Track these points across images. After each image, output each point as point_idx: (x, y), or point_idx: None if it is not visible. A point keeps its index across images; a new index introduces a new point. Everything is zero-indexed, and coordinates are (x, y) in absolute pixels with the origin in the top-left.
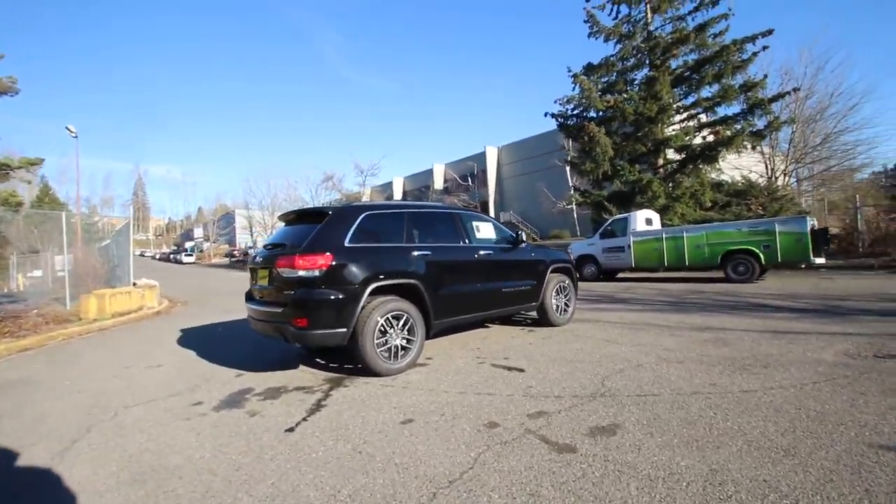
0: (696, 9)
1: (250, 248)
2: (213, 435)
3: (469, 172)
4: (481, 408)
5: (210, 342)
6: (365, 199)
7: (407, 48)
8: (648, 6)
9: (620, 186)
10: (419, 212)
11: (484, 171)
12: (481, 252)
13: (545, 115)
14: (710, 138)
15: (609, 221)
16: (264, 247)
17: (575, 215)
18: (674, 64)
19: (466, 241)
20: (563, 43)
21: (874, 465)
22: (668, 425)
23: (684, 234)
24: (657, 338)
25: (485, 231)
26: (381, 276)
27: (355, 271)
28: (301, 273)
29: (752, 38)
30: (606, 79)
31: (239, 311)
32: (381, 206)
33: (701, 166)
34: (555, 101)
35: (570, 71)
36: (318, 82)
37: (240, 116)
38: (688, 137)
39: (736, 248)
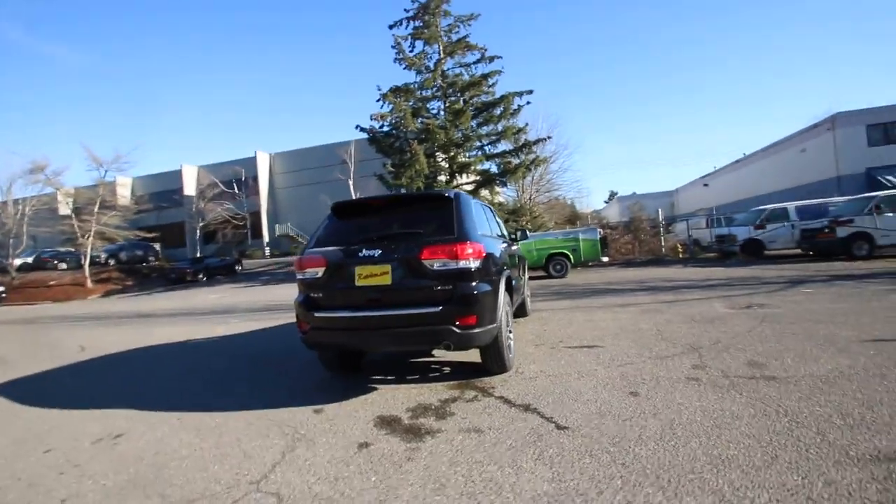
0: (479, 60)
1: None
2: (521, 471)
3: (235, 178)
4: (655, 372)
5: (118, 391)
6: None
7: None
8: (442, 48)
9: None
10: (482, 204)
11: (255, 179)
12: (513, 247)
13: (356, 127)
14: (495, 168)
15: None
16: (367, 240)
17: None
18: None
19: (504, 234)
20: (336, 57)
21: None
22: (787, 356)
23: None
24: (616, 314)
25: (503, 227)
26: (506, 267)
27: (497, 262)
28: (462, 264)
29: (520, 94)
30: (411, 103)
31: (24, 362)
32: (470, 195)
33: (488, 189)
34: (370, 117)
35: (380, 89)
36: None
37: None
38: (482, 164)
39: (555, 251)
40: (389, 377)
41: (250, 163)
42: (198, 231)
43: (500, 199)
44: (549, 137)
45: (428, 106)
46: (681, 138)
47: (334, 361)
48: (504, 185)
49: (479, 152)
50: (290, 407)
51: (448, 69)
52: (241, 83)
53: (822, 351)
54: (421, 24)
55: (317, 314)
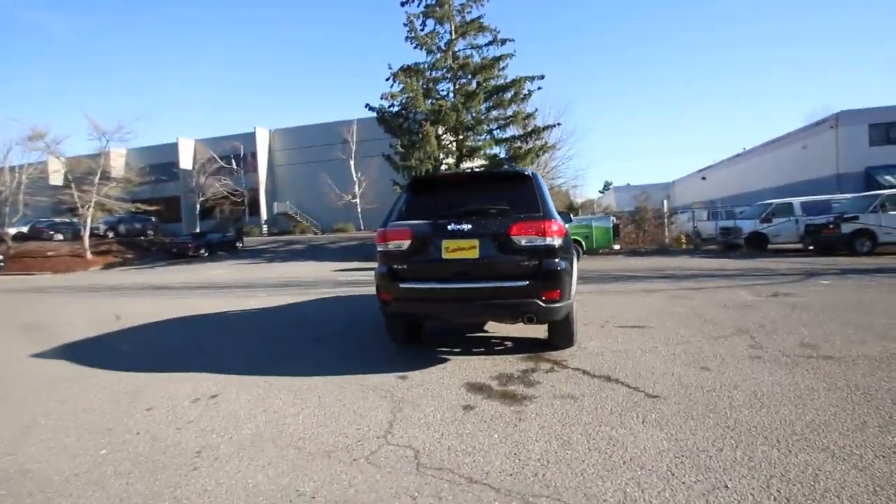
0: (491, 43)
1: None
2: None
3: (234, 154)
4: (716, 350)
5: (184, 356)
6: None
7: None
8: (454, 28)
9: None
10: None
11: (253, 155)
12: None
13: (365, 106)
14: (503, 153)
15: None
16: (454, 215)
17: (359, 210)
18: (476, 84)
19: None
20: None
21: None
22: (834, 339)
23: None
24: (645, 298)
25: None
26: (572, 246)
27: (570, 241)
28: (548, 241)
29: (531, 78)
30: (421, 83)
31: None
32: None
33: None
34: (381, 96)
35: (390, 68)
36: None
37: None
38: (490, 149)
39: None
40: (456, 349)
41: (249, 138)
42: (197, 206)
43: None
44: (558, 124)
45: (437, 87)
46: (675, 131)
47: (403, 333)
48: None
49: (488, 136)
50: (373, 374)
51: (459, 50)
52: (239, 57)
53: (865, 335)
54: (434, 2)
55: (401, 285)
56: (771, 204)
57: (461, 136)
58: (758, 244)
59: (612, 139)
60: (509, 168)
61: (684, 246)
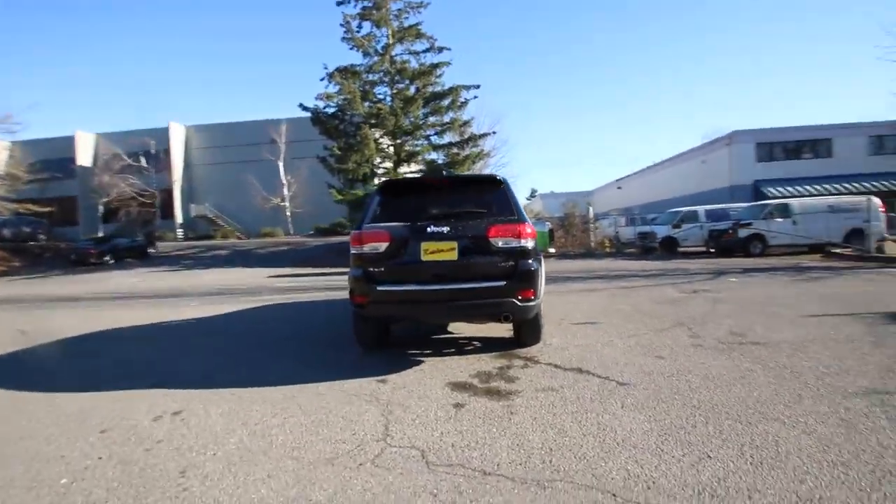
0: (428, 50)
1: None
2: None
3: (143, 151)
4: (663, 341)
5: (125, 372)
6: None
7: None
8: (391, 33)
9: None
10: None
11: (167, 152)
12: None
13: (299, 105)
14: (441, 159)
15: None
16: (432, 217)
17: (289, 213)
18: (414, 90)
19: None
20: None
21: (821, 298)
22: (756, 328)
23: None
24: (587, 298)
25: None
26: (539, 248)
27: (537, 241)
28: (523, 243)
29: (468, 87)
30: (357, 85)
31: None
32: None
33: None
34: (316, 97)
35: (326, 68)
36: None
37: None
38: (428, 154)
39: None
40: (427, 351)
41: (162, 134)
42: (100, 207)
43: None
44: (494, 132)
45: (375, 91)
46: (593, 144)
47: (373, 337)
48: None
49: (426, 142)
50: (348, 379)
51: (397, 55)
52: (150, 46)
53: (778, 323)
54: (371, 4)
55: (379, 288)
56: (680, 212)
57: (399, 141)
58: (670, 247)
59: (536, 147)
60: (480, 174)
61: (608, 249)
